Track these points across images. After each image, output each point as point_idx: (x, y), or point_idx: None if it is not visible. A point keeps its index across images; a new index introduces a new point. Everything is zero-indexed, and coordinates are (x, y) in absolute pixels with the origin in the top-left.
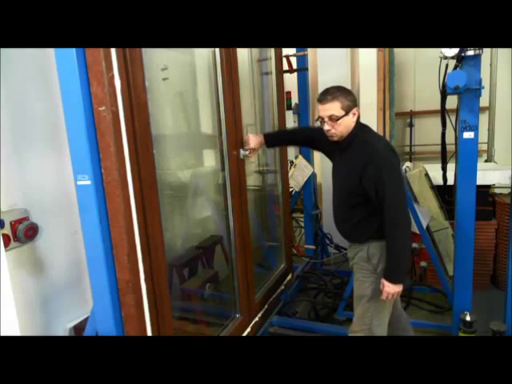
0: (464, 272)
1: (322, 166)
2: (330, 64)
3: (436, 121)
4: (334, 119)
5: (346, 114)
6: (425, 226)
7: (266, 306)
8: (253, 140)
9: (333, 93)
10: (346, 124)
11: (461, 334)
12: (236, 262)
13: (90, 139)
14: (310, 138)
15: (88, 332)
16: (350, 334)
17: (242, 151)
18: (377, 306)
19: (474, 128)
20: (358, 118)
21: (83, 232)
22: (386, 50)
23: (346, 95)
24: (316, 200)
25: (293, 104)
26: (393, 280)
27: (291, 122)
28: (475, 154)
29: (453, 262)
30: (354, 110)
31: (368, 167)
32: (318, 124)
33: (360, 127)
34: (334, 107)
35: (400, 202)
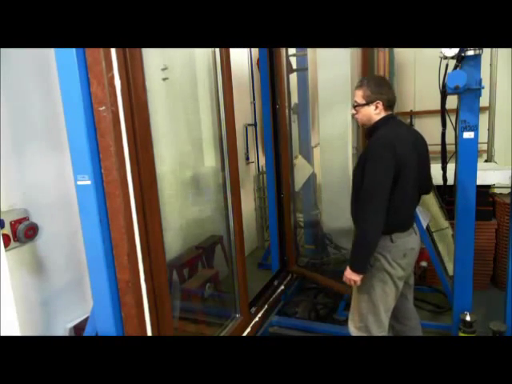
0: (464, 272)
1: (322, 166)
2: (329, 64)
3: (436, 121)
4: (354, 105)
5: (366, 104)
6: (425, 226)
7: (266, 306)
8: None
9: (361, 81)
10: (365, 113)
11: (461, 334)
12: (236, 262)
13: (90, 139)
14: None
15: (88, 332)
16: (349, 327)
17: None
18: (371, 303)
19: (474, 128)
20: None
21: (83, 232)
22: (386, 49)
23: (371, 86)
24: (316, 200)
25: (293, 104)
26: (349, 266)
27: (291, 122)
28: (475, 154)
29: (453, 261)
30: (377, 103)
31: (363, 156)
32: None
33: (384, 120)
34: (357, 94)
35: (371, 194)
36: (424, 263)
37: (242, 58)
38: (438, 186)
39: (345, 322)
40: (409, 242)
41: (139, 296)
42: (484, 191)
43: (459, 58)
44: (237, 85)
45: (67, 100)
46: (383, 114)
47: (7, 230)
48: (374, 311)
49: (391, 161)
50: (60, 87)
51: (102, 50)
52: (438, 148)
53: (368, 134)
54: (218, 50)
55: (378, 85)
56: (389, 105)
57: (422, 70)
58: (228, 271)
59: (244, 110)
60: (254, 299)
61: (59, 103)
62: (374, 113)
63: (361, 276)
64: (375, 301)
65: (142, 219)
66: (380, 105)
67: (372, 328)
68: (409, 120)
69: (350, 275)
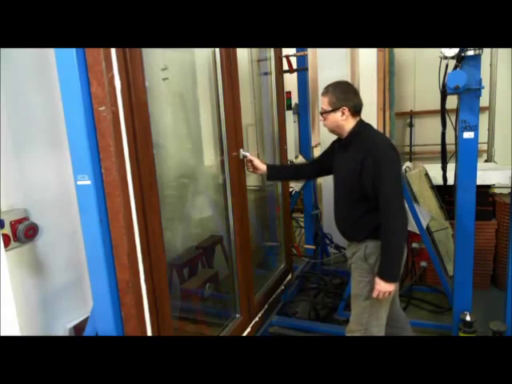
0: (464, 272)
1: None
2: (330, 64)
3: (436, 121)
4: (321, 112)
5: (333, 110)
6: (425, 226)
7: (266, 306)
8: (258, 164)
9: (327, 87)
10: (333, 120)
11: (461, 334)
12: (236, 261)
13: (89, 139)
14: (316, 162)
15: (88, 332)
16: (347, 334)
17: (242, 151)
18: (373, 306)
19: (474, 128)
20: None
21: (83, 232)
22: (386, 49)
23: (337, 92)
24: (316, 200)
25: (293, 104)
26: (385, 278)
27: (291, 121)
28: (475, 154)
29: (453, 261)
30: (343, 109)
31: (367, 160)
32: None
33: (362, 125)
34: (324, 101)
35: (396, 196)
36: (424, 263)
37: (241, 58)
38: (438, 186)
39: (345, 322)
40: None
41: (139, 296)
42: (484, 191)
43: (459, 58)
44: None
45: (67, 100)
46: (352, 119)
47: (7, 230)
48: (376, 314)
49: (400, 162)
50: (60, 87)
51: (102, 50)
52: (438, 148)
53: (350, 139)
54: (218, 49)
55: (343, 91)
56: (356, 110)
57: (421, 70)
58: (228, 271)
59: (244, 110)
60: None
61: (59, 103)
62: (341, 119)
63: (396, 284)
64: (378, 304)
65: (142, 219)
66: (346, 111)
67: (373, 330)
68: (409, 120)
69: (387, 287)
